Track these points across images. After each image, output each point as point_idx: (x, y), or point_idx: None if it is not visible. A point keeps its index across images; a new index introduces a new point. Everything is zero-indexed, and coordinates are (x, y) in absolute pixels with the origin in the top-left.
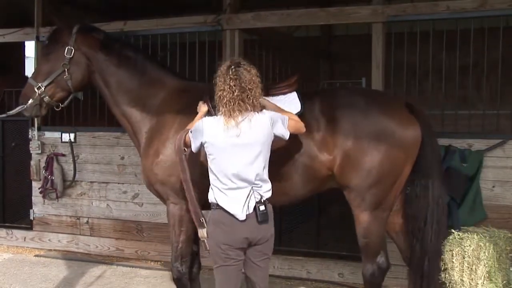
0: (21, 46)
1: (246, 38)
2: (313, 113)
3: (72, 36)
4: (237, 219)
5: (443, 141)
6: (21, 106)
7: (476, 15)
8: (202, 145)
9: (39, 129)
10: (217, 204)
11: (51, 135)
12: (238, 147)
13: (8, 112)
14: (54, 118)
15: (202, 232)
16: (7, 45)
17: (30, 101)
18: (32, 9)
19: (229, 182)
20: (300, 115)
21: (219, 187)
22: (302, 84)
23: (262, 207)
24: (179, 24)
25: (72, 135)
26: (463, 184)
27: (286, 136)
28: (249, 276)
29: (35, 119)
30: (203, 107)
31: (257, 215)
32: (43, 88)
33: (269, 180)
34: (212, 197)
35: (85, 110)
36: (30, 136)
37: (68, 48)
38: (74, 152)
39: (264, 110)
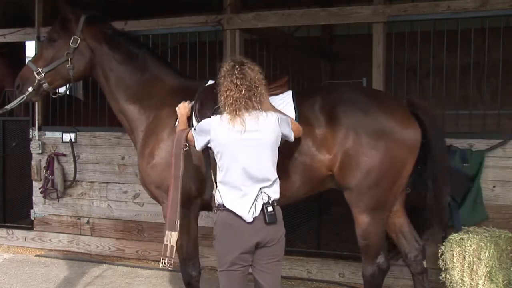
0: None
1: (247, 38)
2: (313, 110)
3: (79, 26)
4: (244, 220)
5: None
6: (21, 97)
7: (477, 15)
8: (208, 142)
9: (39, 129)
10: (224, 205)
11: (51, 135)
12: (246, 145)
13: (5, 107)
14: (55, 118)
15: (171, 236)
16: (5, 45)
17: (30, 89)
18: (32, 9)
19: (237, 180)
20: (298, 113)
21: (226, 187)
22: (303, 84)
23: (270, 208)
24: (180, 24)
25: (72, 135)
26: (463, 184)
27: (291, 137)
28: (258, 280)
29: (36, 119)
30: (182, 109)
31: (265, 216)
32: (43, 74)
33: (277, 181)
34: (218, 197)
35: (85, 110)
36: (30, 136)
37: (74, 38)
38: (75, 152)
39: (270, 111)
